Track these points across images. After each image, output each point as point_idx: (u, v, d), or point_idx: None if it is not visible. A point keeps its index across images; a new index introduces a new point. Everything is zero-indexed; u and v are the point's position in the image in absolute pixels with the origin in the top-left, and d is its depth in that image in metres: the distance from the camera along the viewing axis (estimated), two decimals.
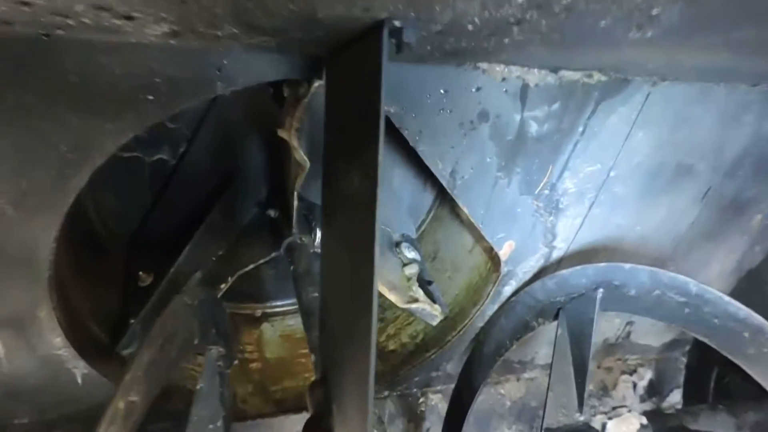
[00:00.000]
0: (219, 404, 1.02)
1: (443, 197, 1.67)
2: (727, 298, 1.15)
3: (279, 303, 1.76)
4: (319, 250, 1.40)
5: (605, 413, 1.17)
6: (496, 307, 1.48)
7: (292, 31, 0.74)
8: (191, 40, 0.78)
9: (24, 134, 0.83)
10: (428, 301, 1.47)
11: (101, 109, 0.84)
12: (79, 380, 1.20)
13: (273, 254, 1.34)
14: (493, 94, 1.05)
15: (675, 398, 1.78)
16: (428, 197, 1.71)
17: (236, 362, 1.54)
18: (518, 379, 1.69)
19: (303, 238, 1.32)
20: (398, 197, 1.66)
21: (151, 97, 0.85)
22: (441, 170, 1.12)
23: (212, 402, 1.01)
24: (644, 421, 1.15)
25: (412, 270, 1.54)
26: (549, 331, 1.42)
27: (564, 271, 1.31)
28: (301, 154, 1.06)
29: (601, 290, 1.23)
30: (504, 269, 1.38)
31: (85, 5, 0.64)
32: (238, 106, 1.34)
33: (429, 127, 1.04)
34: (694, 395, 1.74)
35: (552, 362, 1.23)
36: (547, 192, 1.25)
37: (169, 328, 0.81)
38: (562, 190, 1.26)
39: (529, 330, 1.36)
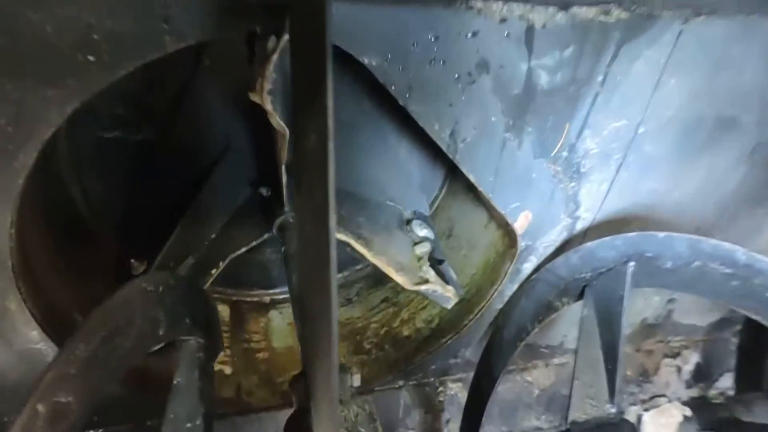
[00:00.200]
0: (198, 400, 0.92)
1: (456, 169, 1.53)
2: None
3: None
4: None
5: (643, 402, 1.03)
6: (515, 287, 1.34)
7: None
8: None
9: None
10: (440, 282, 1.35)
11: (38, 73, 0.75)
12: None
13: (266, 235, 1.24)
14: (493, 40, 0.90)
15: (725, 383, 1.59)
16: (441, 170, 1.58)
17: (224, 352, 1.46)
18: (547, 366, 1.55)
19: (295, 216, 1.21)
20: (407, 171, 1.53)
21: (91, 58, 0.75)
22: (438, 133, 0.99)
23: (190, 398, 0.92)
24: (687, 412, 1.00)
25: (423, 249, 1.42)
26: (578, 311, 1.28)
27: (589, 244, 1.16)
28: (277, 120, 0.95)
29: (632, 263, 1.07)
30: (521, 244, 1.24)
31: None
32: (221, 75, 1.23)
33: (419, 82, 0.91)
34: (746, 381, 1.55)
35: (577, 346, 1.09)
36: (565, 154, 1.10)
37: (118, 318, 0.72)
38: (582, 152, 1.11)
39: (552, 311, 1.22)
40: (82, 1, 0.71)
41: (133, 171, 1.32)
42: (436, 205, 1.62)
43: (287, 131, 1.01)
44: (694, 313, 1.60)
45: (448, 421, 1.44)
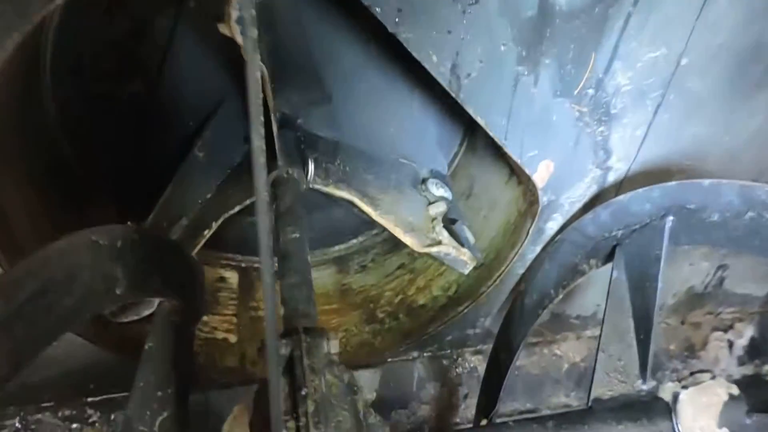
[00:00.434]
0: (170, 367, 0.84)
1: (476, 123, 1.38)
2: None
3: None
4: (314, 186, 1.19)
5: (680, 381, 0.88)
6: (538, 249, 1.20)
7: None
8: None
9: None
10: (454, 244, 1.22)
11: None
12: None
13: None
14: None
15: None
16: (460, 125, 1.43)
17: (230, 320, 1.39)
18: (578, 338, 1.40)
19: (291, 171, 1.10)
20: (422, 126, 1.40)
21: None
22: (437, 66, 0.86)
23: (162, 365, 0.84)
24: (734, 390, 0.85)
25: (437, 209, 1.30)
26: None
27: (621, 197, 1.00)
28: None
29: (671, 218, 0.92)
30: (543, 199, 1.09)
31: None
32: (209, 19, 1.13)
33: (410, 3, 0.78)
34: None
35: (604, 314, 0.94)
36: (591, 92, 0.95)
37: (54, 272, 0.63)
38: (613, 89, 0.95)
39: (578, 275, 1.07)
40: None
41: (125, 129, 1.24)
42: (455, 163, 1.49)
43: (265, 71, 0.90)
44: (750, 280, 1.41)
45: (465, 396, 1.33)
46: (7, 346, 0.57)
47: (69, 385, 1.19)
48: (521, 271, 1.24)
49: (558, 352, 1.38)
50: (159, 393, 0.82)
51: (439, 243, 1.21)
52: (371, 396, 1.17)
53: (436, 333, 1.35)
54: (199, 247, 1.15)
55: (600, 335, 0.92)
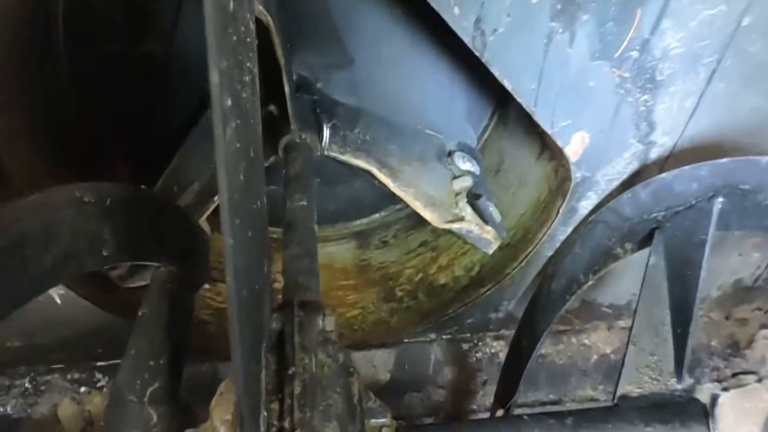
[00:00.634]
0: (165, 336, 0.80)
1: (509, 93, 1.28)
2: None
3: (324, 227, 1.52)
4: (329, 154, 1.12)
5: (720, 381, 0.79)
6: (569, 230, 1.10)
7: None
8: None
9: None
10: (477, 220, 1.14)
11: None
12: (58, 300, 1.06)
13: (272, 158, 1.08)
14: None
15: None
16: (491, 96, 1.34)
17: (218, 285, 1.34)
18: (609, 328, 1.31)
19: (304, 136, 1.04)
20: (450, 96, 1.31)
21: None
22: (459, 20, 0.77)
23: (156, 333, 0.80)
24: None
25: (462, 184, 1.21)
26: None
27: (664, 175, 0.90)
28: (259, 8, 0.77)
29: (720, 199, 0.81)
30: (577, 175, 1.00)
31: None
32: None
33: None
34: None
35: (638, 303, 0.85)
36: (635, 55, 0.84)
37: (26, 227, 0.59)
38: (660, 51, 0.84)
39: (611, 260, 0.98)
40: None
41: (138, 89, 1.20)
42: (485, 136, 1.39)
43: (270, 20, 0.83)
44: None
45: (484, 383, 1.26)
46: None
47: (78, 348, 1.17)
48: (550, 253, 1.15)
49: (587, 341, 1.29)
50: (151, 362, 0.78)
51: (462, 219, 1.14)
52: (384, 377, 1.12)
53: (456, 315, 1.28)
54: (208, 213, 1.10)
55: (632, 326, 0.83)
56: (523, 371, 1.05)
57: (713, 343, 1.33)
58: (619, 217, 0.96)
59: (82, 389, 1.18)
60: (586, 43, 0.82)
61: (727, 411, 0.74)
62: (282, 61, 0.93)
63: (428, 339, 1.29)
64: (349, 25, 1.15)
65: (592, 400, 1.25)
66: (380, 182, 1.20)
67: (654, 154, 0.98)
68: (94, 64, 1.16)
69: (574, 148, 0.94)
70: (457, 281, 1.32)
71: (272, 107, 1.12)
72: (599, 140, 0.94)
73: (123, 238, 0.73)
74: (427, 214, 1.13)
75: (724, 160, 0.82)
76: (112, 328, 1.14)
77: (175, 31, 1.13)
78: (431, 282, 1.36)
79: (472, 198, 1.16)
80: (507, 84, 0.85)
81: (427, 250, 1.42)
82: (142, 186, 1.20)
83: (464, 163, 1.28)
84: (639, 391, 0.79)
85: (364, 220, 1.52)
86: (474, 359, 1.27)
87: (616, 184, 1.01)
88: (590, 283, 1.00)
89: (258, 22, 0.90)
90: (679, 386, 0.78)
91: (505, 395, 1.09)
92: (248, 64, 0.53)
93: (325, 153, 1.10)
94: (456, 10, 0.76)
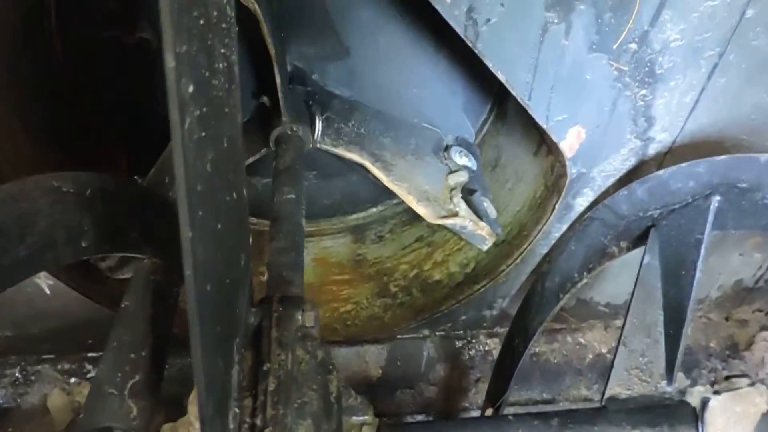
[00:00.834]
0: (147, 328, 0.79)
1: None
2: None
3: (320, 221, 1.51)
4: (321, 146, 1.10)
5: (712, 384, 0.76)
6: (565, 227, 1.08)
7: None
8: None
9: None
10: (472, 216, 1.12)
11: None
12: (48, 291, 1.05)
13: (263, 150, 1.07)
14: None
15: None
16: (489, 89, 1.32)
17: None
18: (606, 328, 1.29)
19: (296, 128, 1.02)
20: (448, 90, 1.29)
21: None
22: (451, 8, 0.75)
23: (139, 325, 0.79)
24: None
25: (457, 179, 1.19)
26: None
27: (661, 172, 0.88)
28: None
29: (717, 197, 0.79)
30: (572, 171, 0.97)
31: None
32: None
33: None
34: None
35: (630, 303, 0.83)
36: (633, 47, 0.82)
37: (5, 218, 0.58)
38: (660, 44, 0.82)
39: (606, 258, 0.96)
40: None
41: (133, 77, 1.19)
42: (483, 131, 1.37)
43: (257, 8, 0.81)
44: None
45: (477, 380, 1.24)
46: None
47: (68, 339, 1.17)
48: (545, 250, 1.13)
49: (582, 341, 1.27)
50: (132, 355, 0.77)
51: (456, 215, 1.11)
52: (376, 373, 1.10)
53: (450, 311, 1.26)
54: None
55: (623, 326, 0.81)
56: (515, 370, 1.03)
57: (712, 345, 1.30)
58: (615, 215, 0.94)
59: (72, 380, 1.17)
60: (582, 34, 0.79)
61: (717, 415, 0.72)
62: (272, 50, 0.92)
63: (421, 335, 1.27)
64: (346, 16, 1.13)
65: (586, 400, 1.23)
66: (372, 175, 1.18)
67: (652, 150, 0.95)
68: (88, 51, 1.15)
69: (569, 143, 0.92)
70: (452, 278, 1.30)
71: (264, 98, 1.11)
72: (596, 135, 0.92)
73: (103, 229, 0.71)
74: (420, 209, 1.11)
75: (722, 157, 0.80)
76: (102, 319, 1.13)
77: None
78: (426, 278, 1.35)
79: (467, 193, 1.14)
80: (500, 76, 0.83)
81: (423, 245, 1.41)
82: (135, 177, 1.21)
83: (461, 158, 1.26)
84: (628, 392, 0.77)
85: (361, 215, 1.50)
86: (467, 357, 1.26)
87: (612, 180, 0.99)
88: (584, 281, 0.98)
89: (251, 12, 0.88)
90: (669, 389, 0.76)
91: (496, 393, 1.07)
92: (222, 51, 0.51)
93: (318, 146, 1.08)
94: None
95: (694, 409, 0.74)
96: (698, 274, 0.78)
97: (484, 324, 1.28)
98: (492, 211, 1.16)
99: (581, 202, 1.03)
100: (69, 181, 0.67)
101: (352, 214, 1.49)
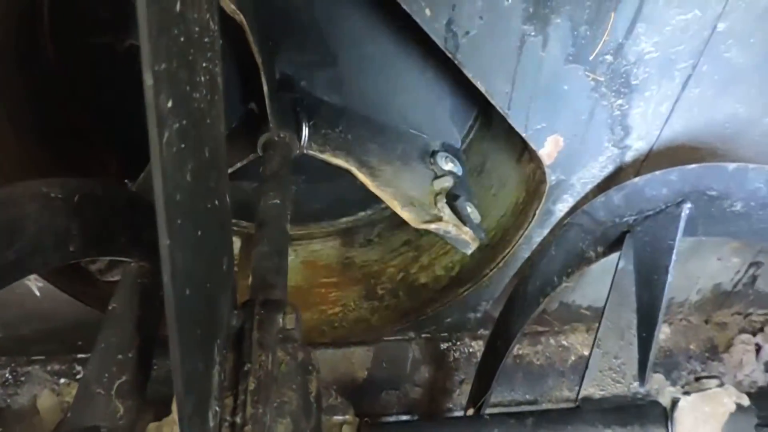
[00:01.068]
0: (134, 331, 0.81)
1: None
2: None
3: (309, 224, 1.53)
4: (308, 152, 1.13)
5: (683, 386, 0.79)
6: (546, 232, 1.11)
7: None
8: None
9: None
10: (455, 221, 1.15)
11: None
12: (37, 293, 1.07)
13: (251, 156, 1.09)
14: None
15: None
16: (476, 96, 1.34)
17: None
18: (588, 330, 1.31)
19: (283, 135, 1.04)
20: (435, 96, 1.31)
21: None
22: (431, 21, 0.77)
23: (126, 327, 0.81)
24: (744, 401, 0.75)
25: (442, 184, 1.22)
26: None
27: (637, 179, 0.90)
28: (228, 3, 0.78)
29: (688, 205, 0.81)
30: (552, 178, 1.00)
31: None
32: None
33: None
34: None
35: (605, 306, 0.86)
36: (609, 58, 0.84)
37: None
38: (634, 56, 0.84)
39: (585, 262, 0.98)
40: None
41: (125, 83, 1.21)
42: (470, 137, 1.39)
43: (243, 19, 0.83)
44: None
45: (461, 382, 1.26)
46: None
47: (58, 340, 1.18)
48: (527, 254, 1.15)
49: (565, 343, 1.30)
50: (119, 356, 0.79)
51: (440, 219, 1.14)
52: (362, 374, 1.12)
53: (435, 314, 1.28)
54: None
55: (597, 329, 0.84)
56: (497, 371, 1.06)
57: (692, 347, 1.33)
58: (593, 221, 0.97)
59: (62, 380, 1.19)
60: (559, 46, 0.82)
61: (686, 415, 0.74)
62: (259, 59, 0.94)
63: (407, 337, 1.29)
64: (334, 24, 1.16)
65: (569, 400, 1.25)
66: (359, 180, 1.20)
67: (629, 158, 0.98)
68: (80, 56, 1.16)
69: (548, 151, 0.94)
70: (437, 281, 1.33)
71: (252, 105, 1.13)
72: (574, 144, 0.94)
73: (91, 233, 0.73)
74: (405, 214, 1.13)
75: (693, 165, 0.83)
76: (91, 320, 1.15)
77: None
78: (412, 281, 1.37)
79: (452, 198, 1.16)
80: (480, 86, 0.85)
81: (410, 249, 1.43)
82: (126, 180, 1.22)
83: (447, 164, 1.29)
84: (602, 393, 0.80)
85: (350, 219, 1.52)
86: (452, 358, 1.28)
87: (591, 187, 1.01)
88: (563, 286, 1.01)
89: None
90: (641, 390, 0.79)
91: (478, 394, 1.09)
92: (205, 64, 0.54)
93: (305, 151, 1.10)
94: (428, 11, 0.76)
95: (664, 408, 0.77)
96: (670, 278, 0.81)
97: (469, 326, 1.30)
98: (476, 216, 1.19)
99: (561, 208, 1.05)
100: (57, 187, 0.69)
101: (341, 217, 1.51)
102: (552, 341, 1.30)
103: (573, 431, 0.74)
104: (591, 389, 0.80)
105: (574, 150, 0.95)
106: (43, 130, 1.14)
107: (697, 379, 0.79)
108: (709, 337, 1.32)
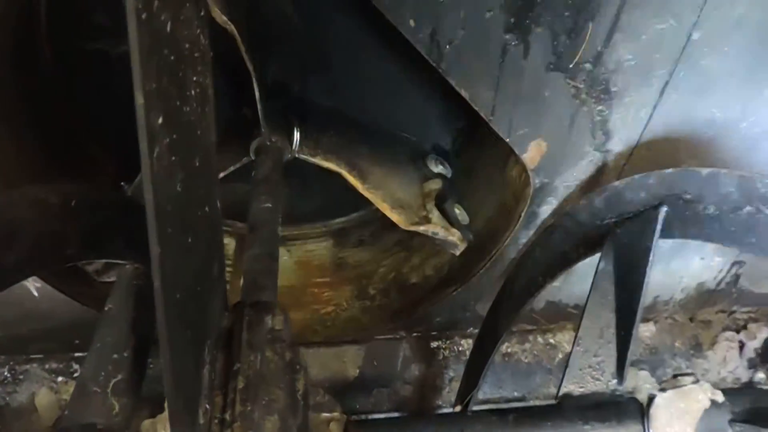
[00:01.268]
0: (129, 331, 0.83)
1: None
2: None
3: (303, 225, 1.55)
4: (299, 155, 1.15)
5: (660, 383, 0.82)
6: (531, 233, 1.14)
7: None
8: None
9: None
10: (443, 223, 1.17)
11: None
12: (35, 293, 1.09)
13: (244, 160, 1.12)
14: None
15: None
16: (465, 100, 1.36)
17: None
18: (574, 328, 1.34)
19: (274, 139, 1.07)
20: (426, 100, 1.34)
21: None
22: (415, 32, 0.80)
23: (122, 327, 0.84)
24: (719, 397, 0.78)
25: (432, 186, 1.25)
26: None
27: (617, 183, 0.93)
28: (218, 13, 0.80)
29: (664, 208, 0.84)
30: (536, 182, 1.03)
31: None
32: None
33: None
34: None
35: (585, 306, 0.89)
36: (588, 66, 0.87)
37: None
38: (613, 64, 0.87)
39: (568, 263, 1.01)
40: None
41: (120, 88, 1.23)
42: (459, 139, 1.42)
43: (233, 29, 0.86)
44: None
45: (451, 380, 1.29)
46: None
47: (56, 339, 1.21)
48: (514, 255, 1.18)
49: (552, 341, 1.33)
50: (115, 356, 0.82)
51: (428, 221, 1.17)
52: (354, 372, 1.16)
53: (426, 313, 1.31)
54: None
55: (578, 328, 0.87)
56: (484, 369, 1.08)
57: (677, 344, 1.36)
58: (575, 223, 1.00)
59: (59, 379, 1.22)
60: (540, 54, 0.85)
61: (661, 411, 0.78)
62: (250, 66, 0.96)
63: (398, 336, 1.32)
64: (326, 30, 1.18)
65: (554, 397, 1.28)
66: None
67: (611, 161, 1.01)
68: (77, 59, 1.18)
69: (531, 155, 0.97)
70: (427, 281, 1.35)
71: (246, 110, 1.16)
72: (556, 148, 0.97)
73: (87, 237, 0.76)
74: (394, 216, 1.16)
75: (670, 170, 0.86)
76: (89, 320, 1.17)
77: None
78: (403, 281, 1.40)
79: (441, 201, 1.19)
80: (464, 93, 0.88)
81: (402, 249, 1.46)
82: (122, 183, 1.25)
83: (436, 166, 1.32)
84: (581, 390, 0.83)
85: (343, 219, 1.54)
86: (441, 357, 1.31)
87: (574, 190, 1.04)
88: (546, 286, 1.04)
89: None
90: (619, 387, 0.82)
91: (466, 391, 1.12)
92: (195, 78, 0.56)
93: (296, 155, 1.13)
94: (411, 22, 0.78)
95: (641, 405, 0.80)
96: (647, 279, 0.84)
97: (459, 325, 1.33)
98: (464, 218, 1.22)
99: (546, 210, 1.08)
100: (54, 192, 0.72)
101: (334, 218, 1.54)
102: (540, 339, 1.33)
103: (553, 427, 0.77)
104: (571, 386, 0.83)
105: (557, 154, 0.98)
106: (39, 132, 1.17)
107: (675, 376, 0.82)
108: (693, 334, 1.35)
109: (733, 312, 1.37)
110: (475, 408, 1.09)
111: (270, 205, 0.94)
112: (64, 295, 1.10)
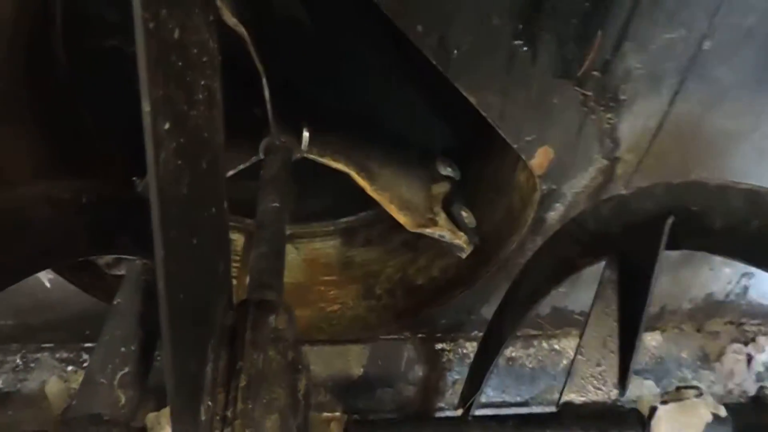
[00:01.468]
0: (136, 325, 0.85)
1: None
2: None
3: (311, 223, 1.56)
4: (309, 156, 1.16)
5: (663, 395, 0.82)
6: (538, 239, 1.14)
7: None
8: None
9: None
10: (450, 226, 1.18)
11: None
12: (47, 284, 1.12)
13: (253, 159, 1.13)
14: None
15: None
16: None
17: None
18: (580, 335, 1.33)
19: (283, 139, 1.08)
20: (436, 101, 1.34)
21: None
22: (423, 37, 0.80)
23: (129, 321, 0.85)
24: (721, 412, 0.78)
25: (440, 189, 1.25)
26: None
27: (625, 192, 0.93)
28: (228, 15, 0.81)
29: (671, 218, 0.84)
30: (543, 187, 1.03)
31: None
32: None
33: None
34: None
35: (588, 314, 0.89)
36: (597, 74, 0.87)
37: (6, 224, 0.64)
38: (622, 72, 0.87)
39: (573, 270, 1.00)
40: None
41: (134, 84, 1.25)
42: (468, 142, 1.42)
43: (244, 31, 0.87)
44: None
45: (454, 382, 1.30)
46: None
47: (66, 329, 1.24)
48: (520, 260, 1.18)
49: (557, 347, 1.32)
50: (122, 349, 0.83)
51: (435, 224, 1.17)
52: (358, 372, 1.16)
53: (431, 315, 1.32)
54: None
55: (581, 337, 0.87)
56: (487, 373, 1.09)
57: (683, 355, 1.36)
58: (582, 230, 0.99)
59: (69, 368, 1.24)
60: (548, 61, 0.85)
61: (662, 423, 0.77)
62: (260, 68, 0.97)
63: (402, 337, 1.33)
64: (336, 29, 1.19)
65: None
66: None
67: (620, 169, 1.01)
68: (90, 57, 1.20)
69: (539, 161, 0.97)
70: (433, 282, 1.36)
71: (256, 110, 1.17)
72: (564, 155, 0.97)
73: (97, 233, 0.78)
74: (401, 218, 1.16)
75: (678, 181, 0.85)
76: (99, 311, 1.19)
77: None
78: (410, 282, 1.40)
79: (448, 203, 1.19)
80: (472, 99, 0.88)
81: (409, 250, 1.46)
82: (134, 177, 1.27)
83: (445, 169, 1.32)
84: (582, 399, 0.83)
85: (351, 218, 1.55)
86: (446, 359, 1.31)
87: (582, 196, 1.04)
88: (551, 292, 1.03)
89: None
90: (621, 397, 0.82)
91: (469, 395, 1.13)
92: (203, 82, 0.57)
93: (305, 155, 1.14)
94: (419, 28, 0.79)
95: (642, 416, 0.80)
96: (652, 288, 0.83)
97: (464, 328, 1.33)
98: (471, 221, 1.22)
99: (553, 216, 1.08)
100: (66, 189, 0.73)
101: (342, 217, 1.55)
102: (544, 345, 1.33)
103: None
104: (572, 395, 0.83)
105: (565, 161, 0.98)
106: (51, 130, 1.19)
107: (678, 388, 0.82)
108: (700, 345, 1.34)
109: (742, 324, 1.36)
110: (478, 411, 1.10)
111: (277, 205, 0.95)
112: (76, 286, 1.13)
